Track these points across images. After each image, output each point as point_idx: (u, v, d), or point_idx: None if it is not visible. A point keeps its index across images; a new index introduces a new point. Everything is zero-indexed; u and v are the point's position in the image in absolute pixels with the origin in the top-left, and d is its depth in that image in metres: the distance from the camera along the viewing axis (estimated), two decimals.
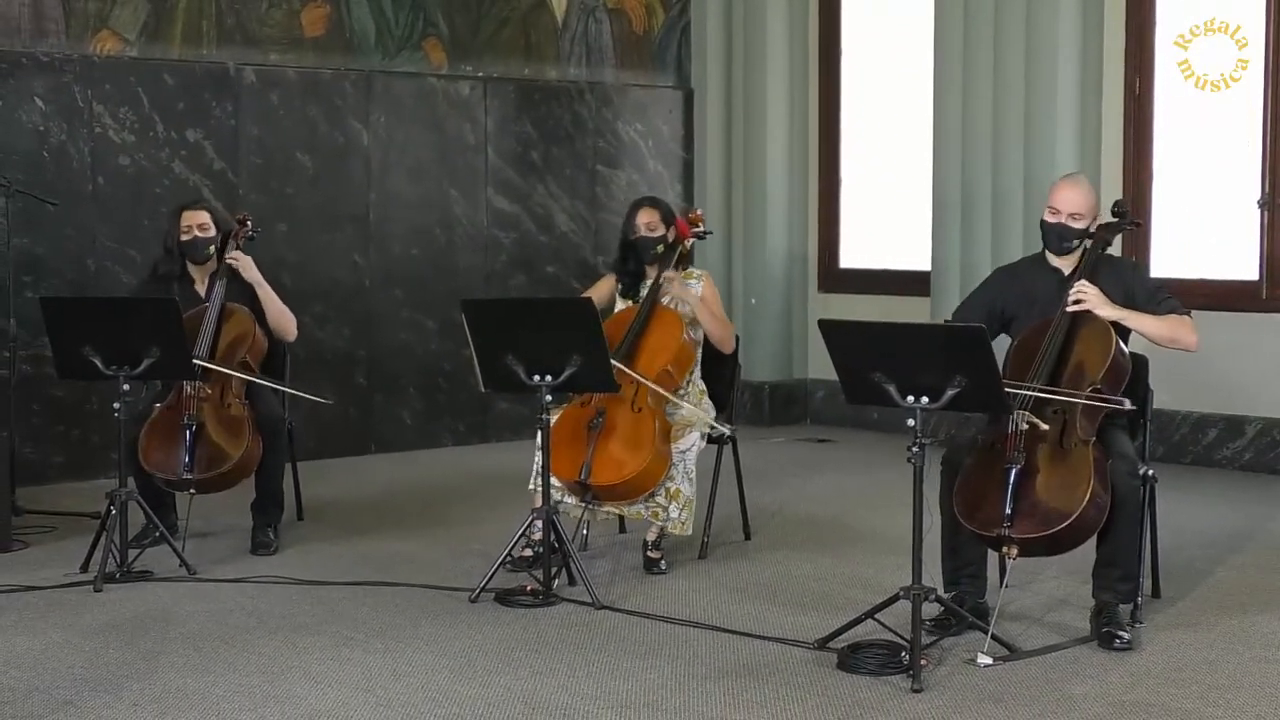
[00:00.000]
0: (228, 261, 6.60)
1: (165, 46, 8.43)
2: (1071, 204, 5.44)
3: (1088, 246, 5.45)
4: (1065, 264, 5.49)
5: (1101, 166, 8.61)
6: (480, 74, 9.47)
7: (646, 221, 6.40)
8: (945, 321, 5.71)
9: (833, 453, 9.26)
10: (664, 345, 6.22)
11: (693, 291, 6.36)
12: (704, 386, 6.45)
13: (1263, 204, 8.22)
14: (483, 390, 5.99)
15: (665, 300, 6.33)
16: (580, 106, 9.85)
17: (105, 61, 8.21)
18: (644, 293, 6.38)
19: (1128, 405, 5.18)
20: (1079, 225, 5.43)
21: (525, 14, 9.65)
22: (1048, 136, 8.68)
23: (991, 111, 8.98)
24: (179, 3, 8.44)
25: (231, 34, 8.63)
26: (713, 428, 6.36)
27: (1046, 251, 5.55)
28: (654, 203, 6.53)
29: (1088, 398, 5.06)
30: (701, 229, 6.56)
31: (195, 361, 6.11)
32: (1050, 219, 5.47)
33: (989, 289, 5.70)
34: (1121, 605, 5.20)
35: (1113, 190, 8.37)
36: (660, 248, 6.38)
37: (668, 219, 6.43)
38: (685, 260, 6.49)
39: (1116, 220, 5.60)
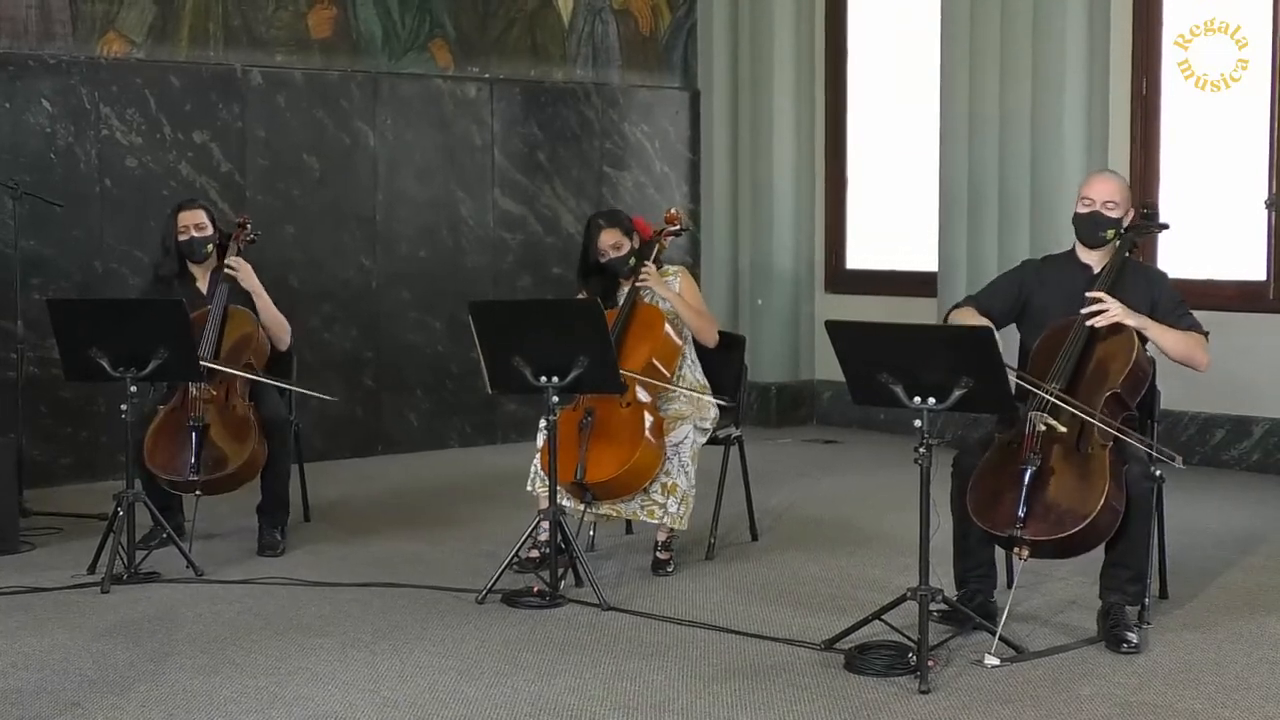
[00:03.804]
0: (226, 270, 6.59)
1: (172, 48, 8.43)
2: (1106, 192, 5.41)
3: (1117, 245, 5.43)
4: (1095, 260, 5.46)
5: (1109, 167, 8.59)
6: (487, 75, 9.47)
7: (612, 243, 6.34)
8: (968, 298, 5.66)
9: (840, 454, 9.26)
10: (647, 340, 6.21)
11: (673, 288, 6.35)
12: (705, 383, 6.43)
13: (1270, 204, 8.20)
14: (490, 391, 5.99)
15: (646, 297, 6.33)
16: (587, 108, 9.85)
17: (112, 63, 8.22)
18: (621, 298, 6.37)
19: (1146, 445, 5.13)
20: (1113, 214, 5.40)
21: (532, 15, 9.65)
22: (1054, 137, 8.67)
23: (998, 112, 8.98)
24: (185, 5, 8.45)
25: (238, 36, 8.63)
26: (718, 405, 6.33)
27: (1078, 246, 5.52)
28: (611, 219, 6.44)
29: (1101, 420, 5.01)
30: (678, 227, 6.53)
31: (202, 363, 6.12)
32: (1083, 209, 5.43)
33: (1018, 274, 5.66)
34: (1129, 606, 5.19)
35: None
36: (631, 260, 6.37)
37: (628, 230, 6.39)
38: (658, 261, 6.45)
39: (1145, 222, 5.55)
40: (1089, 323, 5.19)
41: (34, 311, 7.36)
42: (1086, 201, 5.43)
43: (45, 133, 8.02)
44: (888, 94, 10.03)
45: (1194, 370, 5.40)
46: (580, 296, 6.49)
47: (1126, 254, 5.43)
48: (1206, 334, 5.38)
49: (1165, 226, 5.71)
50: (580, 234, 9.63)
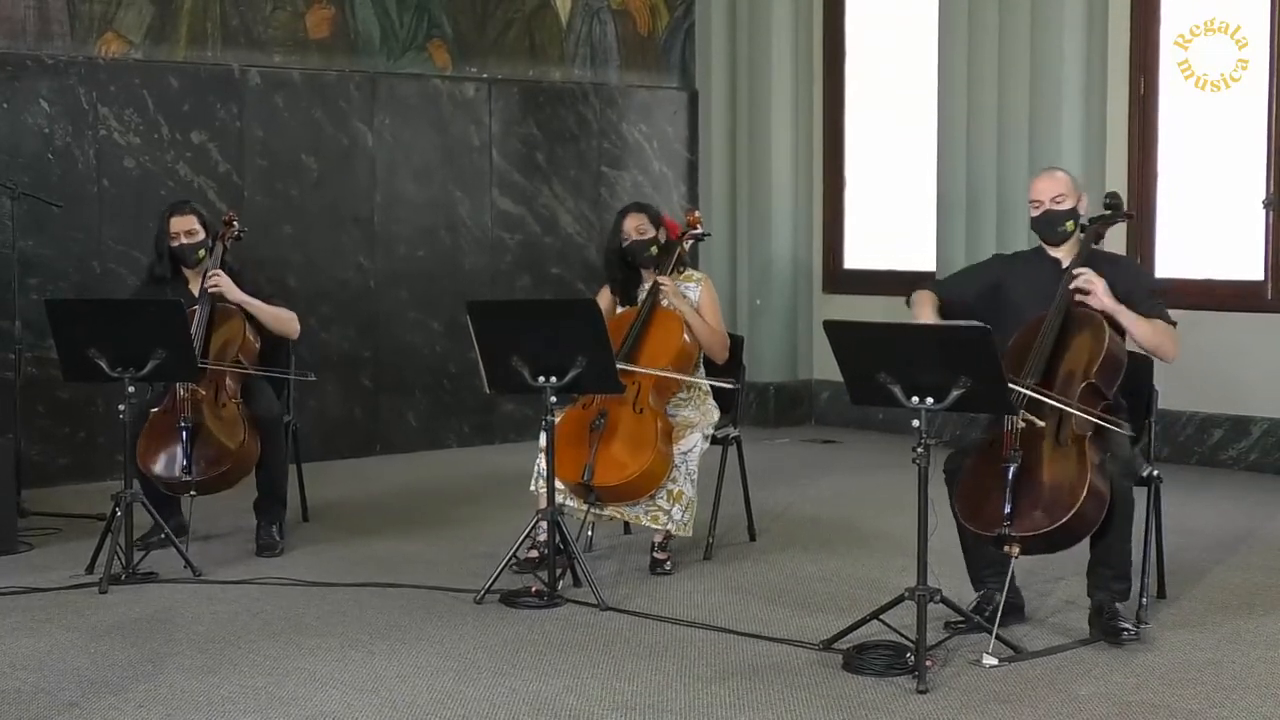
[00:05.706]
0: (207, 288, 6.54)
1: (170, 49, 8.43)
2: (1050, 190, 5.48)
3: (1082, 239, 5.47)
4: (1064, 254, 5.51)
5: (1106, 167, 8.61)
6: (485, 75, 9.47)
7: (635, 225, 6.38)
8: (931, 283, 5.73)
9: (838, 454, 9.26)
10: (665, 345, 6.22)
11: (688, 298, 6.35)
12: (708, 388, 6.44)
13: (1268, 204, 8.20)
14: (488, 392, 6.00)
15: (664, 301, 6.34)
16: (585, 108, 9.85)
17: (110, 64, 8.22)
18: (642, 296, 6.38)
19: (1125, 430, 5.17)
20: (1065, 206, 5.47)
21: (530, 15, 9.66)
22: (1052, 137, 8.67)
23: (996, 112, 8.98)
24: (183, 5, 8.45)
25: (236, 36, 8.63)
26: (726, 385, 6.36)
27: (1044, 246, 5.57)
28: (640, 207, 6.52)
29: (1078, 408, 5.04)
30: (699, 230, 6.57)
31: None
32: (1036, 212, 5.52)
33: (988, 268, 5.78)
34: (1118, 604, 5.19)
35: (1118, 190, 8.37)
36: (654, 249, 6.38)
37: (656, 221, 6.42)
38: (681, 262, 6.49)
39: (1109, 213, 5.60)
40: (1077, 296, 5.24)
41: (32, 312, 7.36)
42: (1035, 204, 5.52)
43: (43, 133, 8.02)
44: (886, 93, 10.02)
45: (1161, 360, 5.45)
46: (599, 295, 6.51)
47: (1092, 245, 5.48)
48: (1174, 324, 5.43)
49: (1130, 216, 5.79)
50: (579, 234, 9.76)
